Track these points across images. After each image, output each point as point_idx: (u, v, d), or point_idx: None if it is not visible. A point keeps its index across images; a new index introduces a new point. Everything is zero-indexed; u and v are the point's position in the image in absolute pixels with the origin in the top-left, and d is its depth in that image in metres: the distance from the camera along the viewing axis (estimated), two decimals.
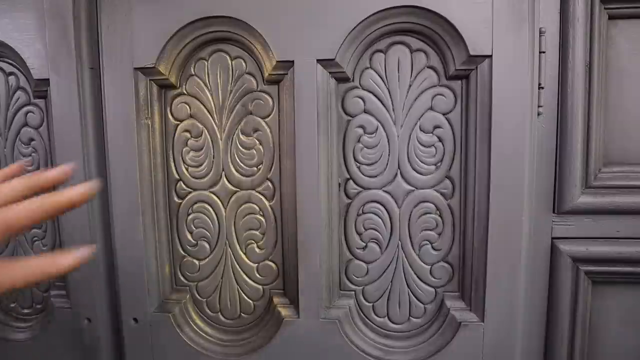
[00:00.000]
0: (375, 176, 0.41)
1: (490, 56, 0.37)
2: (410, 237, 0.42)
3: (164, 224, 0.44)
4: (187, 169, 0.43)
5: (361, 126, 0.41)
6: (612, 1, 0.39)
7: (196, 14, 0.39)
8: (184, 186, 0.43)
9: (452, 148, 0.40)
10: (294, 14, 0.38)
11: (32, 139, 0.45)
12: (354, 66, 0.40)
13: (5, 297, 0.37)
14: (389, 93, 0.40)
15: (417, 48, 0.39)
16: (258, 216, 0.43)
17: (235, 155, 0.42)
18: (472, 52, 0.37)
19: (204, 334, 0.45)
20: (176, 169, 0.43)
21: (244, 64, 0.41)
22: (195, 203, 0.43)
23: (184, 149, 0.43)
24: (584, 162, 0.40)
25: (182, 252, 0.44)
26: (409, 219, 0.41)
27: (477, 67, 0.38)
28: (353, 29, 0.38)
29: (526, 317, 0.42)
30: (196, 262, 0.44)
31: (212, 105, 0.41)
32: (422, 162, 0.41)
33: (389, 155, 0.41)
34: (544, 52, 0.38)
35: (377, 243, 0.42)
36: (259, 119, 0.41)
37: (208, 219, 0.43)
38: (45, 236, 0.46)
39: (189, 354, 0.43)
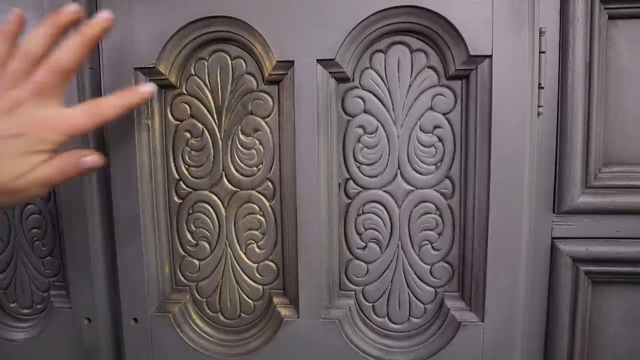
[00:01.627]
0: (375, 176, 0.41)
1: (490, 56, 0.37)
2: (410, 237, 0.42)
3: (164, 224, 0.44)
4: (187, 169, 0.43)
5: (361, 126, 0.41)
6: (612, 1, 0.39)
7: (196, 14, 0.39)
8: (184, 186, 0.43)
9: (452, 148, 0.40)
10: (294, 14, 0.38)
11: None
12: (354, 66, 0.40)
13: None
14: (389, 93, 0.40)
15: (417, 48, 0.39)
16: (258, 216, 0.43)
17: (235, 155, 0.42)
18: (472, 52, 0.37)
19: (204, 334, 0.45)
20: (176, 169, 0.43)
21: (244, 64, 0.41)
22: (195, 203, 0.43)
23: (184, 149, 0.43)
24: (584, 162, 0.40)
25: (182, 252, 0.44)
26: (409, 219, 0.41)
27: (477, 67, 0.38)
28: (353, 29, 0.38)
29: (526, 317, 0.42)
30: (196, 262, 0.44)
31: (212, 105, 0.41)
32: (422, 162, 0.41)
33: (389, 155, 0.41)
34: (544, 52, 0.38)
35: (377, 243, 0.42)
36: (259, 119, 0.41)
37: (208, 219, 0.43)
38: (45, 236, 0.46)
39: (189, 354, 0.43)
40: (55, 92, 0.33)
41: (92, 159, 0.34)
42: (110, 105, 0.34)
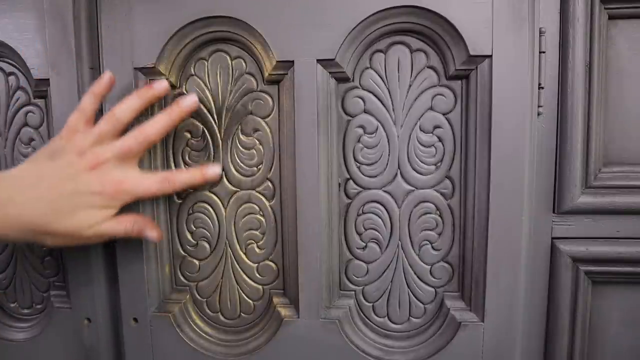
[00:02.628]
0: (375, 176, 0.41)
1: (490, 56, 0.37)
2: (410, 237, 0.42)
3: (164, 224, 0.44)
4: (187, 169, 0.43)
5: (361, 126, 0.41)
6: (612, 1, 0.39)
7: (196, 14, 0.39)
8: None
9: (452, 148, 0.40)
10: (294, 14, 0.38)
11: (32, 139, 0.45)
12: (354, 66, 0.40)
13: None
14: (389, 93, 0.40)
15: (417, 48, 0.39)
16: (258, 216, 0.43)
17: (235, 155, 0.42)
18: (472, 52, 0.37)
19: (204, 334, 0.45)
20: (176, 169, 0.43)
21: (244, 64, 0.41)
22: (195, 203, 0.43)
23: (184, 149, 0.43)
24: (584, 162, 0.40)
25: (182, 252, 0.44)
26: (409, 219, 0.41)
27: (477, 67, 0.38)
28: (353, 29, 0.38)
29: (526, 317, 0.42)
30: (196, 262, 0.44)
31: (212, 105, 0.41)
32: (422, 162, 0.41)
33: (389, 155, 0.41)
34: (544, 52, 0.38)
35: (377, 243, 0.42)
36: (259, 119, 0.41)
37: (208, 219, 0.43)
38: None
39: (189, 354, 0.43)
40: (135, 157, 0.38)
41: (154, 235, 0.40)
42: (181, 179, 0.39)
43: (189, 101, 0.38)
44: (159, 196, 0.41)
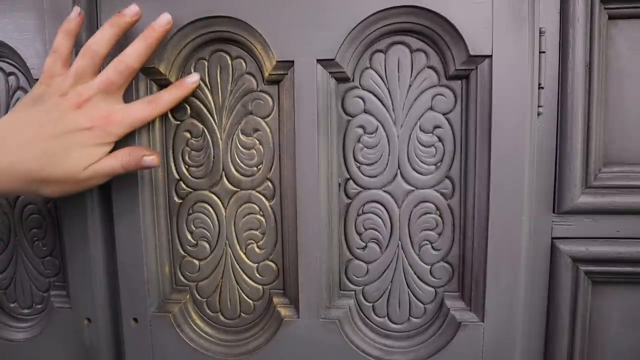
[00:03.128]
0: (375, 176, 0.41)
1: (490, 56, 0.37)
2: (410, 237, 0.42)
3: (164, 224, 0.44)
4: (187, 169, 0.43)
5: (361, 126, 0.41)
6: (612, 1, 0.39)
7: (196, 14, 0.39)
8: (184, 186, 0.43)
9: (452, 148, 0.40)
10: (294, 14, 0.38)
11: None
12: (354, 66, 0.40)
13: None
14: (389, 93, 0.40)
15: (417, 48, 0.39)
16: (258, 216, 0.43)
17: (235, 155, 0.42)
18: (472, 52, 0.37)
19: (204, 334, 0.45)
20: (176, 169, 0.43)
21: (244, 64, 0.41)
22: (195, 203, 0.43)
23: (184, 149, 0.43)
24: (584, 162, 0.40)
25: (182, 252, 0.44)
26: (409, 219, 0.41)
27: (477, 67, 0.38)
28: (353, 29, 0.38)
29: (526, 317, 0.42)
30: (196, 262, 0.44)
31: (212, 105, 0.41)
32: (422, 162, 0.41)
33: (389, 155, 0.41)
34: (544, 52, 0.38)
35: (377, 243, 0.42)
36: (259, 119, 0.41)
37: (208, 219, 0.43)
38: (46, 236, 0.46)
39: (189, 354, 0.43)
40: (119, 89, 0.37)
41: (152, 159, 0.38)
42: (166, 97, 0.38)
43: (163, 20, 0.37)
44: (150, 121, 0.39)
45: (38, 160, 0.34)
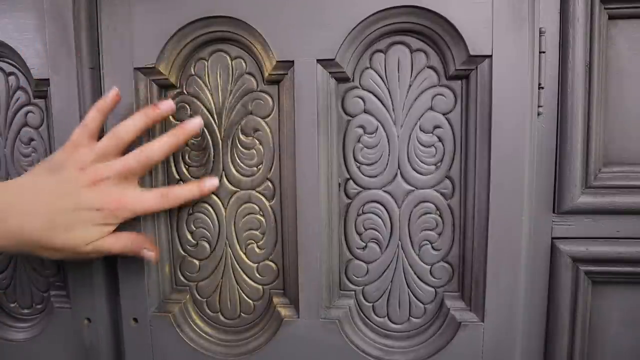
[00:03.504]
0: (375, 176, 0.41)
1: (490, 56, 0.37)
2: (410, 237, 0.42)
3: (164, 224, 0.44)
4: (187, 169, 0.43)
5: (361, 126, 0.41)
6: (612, 1, 0.39)
7: (196, 14, 0.39)
8: None
9: (452, 148, 0.40)
10: (294, 14, 0.38)
11: (32, 139, 0.45)
12: (354, 66, 0.40)
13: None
14: (389, 93, 0.40)
15: (417, 48, 0.39)
16: (258, 216, 0.43)
17: (235, 155, 0.42)
18: (472, 52, 0.37)
19: (204, 334, 0.45)
20: (176, 169, 0.43)
21: (244, 64, 0.41)
22: (196, 203, 0.43)
23: (184, 149, 0.42)
24: (584, 162, 0.40)
25: (182, 252, 0.44)
26: (409, 219, 0.41)
27: (477, 67, 0.38)
28: (353, 29, 0.38)
29: (526, 317, 0.42)
30: (196, 262, 0.44)
31: (212, 105, 0.41)
32: (422, 162, 0.41)
33: (389, 155, 0.41)
34: (544, 52, 0.38)
35: (377, 243, 0.42)
36: (259, 119, 0.41)
37: (208, 219, 0.43)
38: None
39: (189, 354, 0.43)
40: (136, 175, 0.38)
41: (150, 255, 0.40)
42: (180, 195, 0.40)
43: (194, 124, 0.39)
44: (158, 212, 0.41)
45: (45, 230, 0.35)
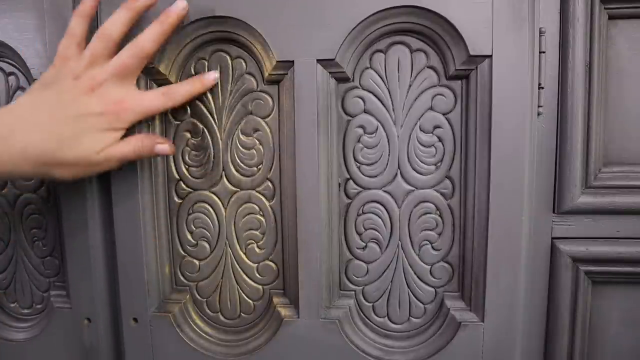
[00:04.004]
0: (375, 176, 0.41)
1: (490, 56, 0.37)
2: (410, 237, 0.42)
3: (164, 224, 0.44)
4: (187, 169, 0.43)
5: (361, 126, 0.41)
6: (612, 1, 0.39)
7: (196, 14, 0.39)
8: (184, 186, 0.43)
9: (452, 148, 0.40)
10: (294, 14, 0.38)
11: None
12: (354, 66, 0.40)
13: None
14: (389, 93, 0.40)
15: (417, 48, 0.39)
16: (258, 216, 0.43)
17: (235, 155, 0.42)
18: (472, 52, 0.37)
19: (204, 334, 0.45)
20: (176, 168, 0.43)
21: (244, 64, 0.41)
22: (195, 203, 0.43)
23: (184, 149, 0.43)
24: (584, 162, 0.40)
25: (182, 252, 0.44)
26: (409, 219, 0.41)
27: (477, 67, 0.38)
28: (353, 29, 0.38)
29: (526, 317, 0.42)
30: (196, 262, 0.44)
31: (212, 105, 0.41)
32: (422, 162, 0.41)
33: (389, 155, 0.41)
34: (544, 52, 0.38)
35: (377, 243, 0.42)
36: (259, 119, 0.41)
37: (208, 219, 0.43)
38: (46, 236, 0.46)
39: (189, 354, 0.43)
40: (133, 74, 0.36)
41: (164, 147, 0.39)
42: (181, 91, 0.38)
43: (179, 6, 0.37)
44: (162, 111, 0.40)
45: (50, 144, 0.34)
